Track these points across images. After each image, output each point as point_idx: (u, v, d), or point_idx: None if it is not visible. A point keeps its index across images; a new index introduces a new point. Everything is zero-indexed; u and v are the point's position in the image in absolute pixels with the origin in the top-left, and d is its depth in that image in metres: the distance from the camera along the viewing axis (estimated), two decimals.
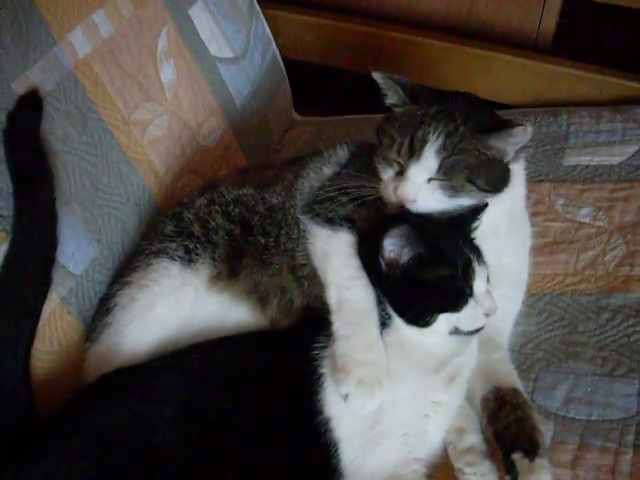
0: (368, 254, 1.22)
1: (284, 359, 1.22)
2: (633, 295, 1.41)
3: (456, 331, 1.17)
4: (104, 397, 1.21)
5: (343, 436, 1.14)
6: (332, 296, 1.21)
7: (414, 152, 1.22)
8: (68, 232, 1.33)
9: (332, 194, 1.31)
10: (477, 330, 1.18)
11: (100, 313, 1.35)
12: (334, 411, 1.14)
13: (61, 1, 1.38)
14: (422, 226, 1.19)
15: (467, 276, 1.16)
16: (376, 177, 1.28)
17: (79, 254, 1.36)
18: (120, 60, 1.48)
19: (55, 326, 1.32)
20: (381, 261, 1.18)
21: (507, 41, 1.89)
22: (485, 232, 1.26)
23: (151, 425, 1.16)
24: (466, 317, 1.16)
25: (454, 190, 1.22)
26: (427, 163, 1.21)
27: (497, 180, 1.26)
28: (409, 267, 1.17)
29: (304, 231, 1.30)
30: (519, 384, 1.25)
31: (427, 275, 1.16)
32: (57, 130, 1.34)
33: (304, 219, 1.31)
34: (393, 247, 1.16)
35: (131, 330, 1.30)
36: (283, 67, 1.97)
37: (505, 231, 1.33)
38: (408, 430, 1.16)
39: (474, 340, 1.23)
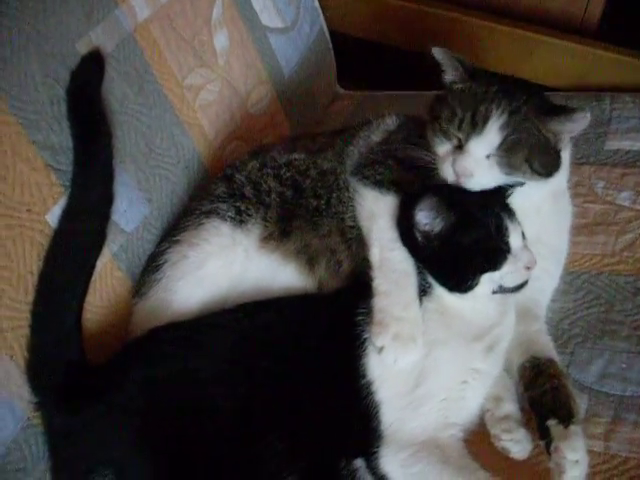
0: (404, 229, 1.25)
1: (330, 323, 1.25)
2: None
3: (500, 289, 1.21)
4: (154, 350, 1.26)
5: (384, 399, 1.17)
6: (375, 254, 1.25)
7: (476, 126, 1.23)
8: (121, 190, 1.36)
9: (380, 158, 1.35)
10: (521, 286, 1.21)
11: (149, 270, 1.40)
12: (377, 374, 1.18)
13: None
14: (451, 194, 1.23)
15: (501, 233, 1.19)
16: (425, 146, 1.30)
17: (131, 212, 1.40)
18: (176, 25, 1.51)
19: (105, 281, 1.36)
20: (417, 234, 1.21)
21: (553, 24, 1.90)
22: (528, 211, 1.29)
23: (198, 380, 1.20)
24: (507, 273, 1.19)
25: (511, 168, 1.23)
26: (489, 138, 1.22)
27: (550, 165, 1.27)
28: (444, 235, 1.20)
29: (353, 192, 1.33)
30: (555, 355, 1.28)
31: (463, 240, 1.20)
32: (115, 90, 1.38)
33: (353, 181, 1.34)
34: (426, 219, 1.19)
35: (181, 287, 1.34)
36: (329, 40, 1.99)
37: (548, 211, 1.36)
38: (447, 395, 1.19)
39: (512, 312, 1.26)
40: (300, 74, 1.87)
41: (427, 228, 1.20)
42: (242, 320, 1.27)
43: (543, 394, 1.20)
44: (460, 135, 1.25)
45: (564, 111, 1.26)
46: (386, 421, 1.17)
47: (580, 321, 1.39)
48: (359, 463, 1.16)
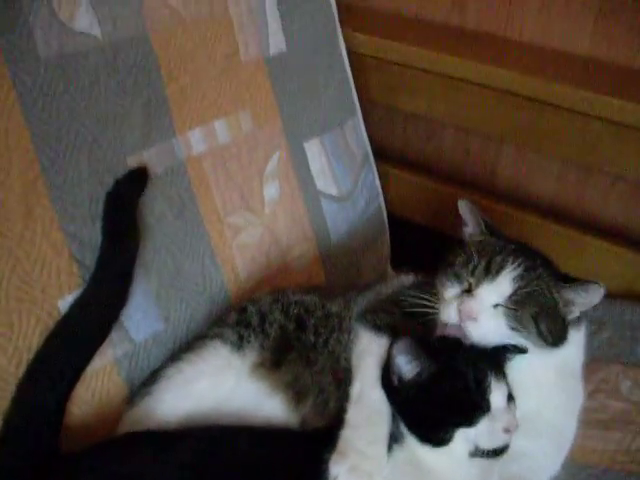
0: (384, 371, 1.23)
1: (299, 459, 1.22)
2: None
3: (476, 451, 1.14)
4: (123, 450, 1.25)
5: None
6: (356, 388, 1.24)
7: (489, 273, 1.24)
8: (139, 300, 1.42)
9: (386, 306, 1.37)
10: (500, 451, 1.14)
11: (146, 383, 1.41)
12: None
13: (190, 102, 1.52)
14: (439, 343, 1.22)
15: (482, 389, 1.14)
16: (433, 298, 1.31)
17: (144, 323, 1.44)
18: (229, 167, 1.60)
19: (102, 381, 1.39)
20: (392, 376, 1.20)
21: (611, 232, 1.90)
22: (527, 383, 1.25)
23: None
24: (483, 432, 1.13)
25: (517, 323, 1.22)
26: (501, 286, 1.23)
27: (557, 333, 1.25)
28: (419, 382, 1.18)
29: (353, 335, 1.34)
30: None
31: (439, 388, 1.16)
32: (155, 208, 1.46)
33: (355, 324, 1.36)
34: (400, 362, 1.19)
35: (169, 398, 1.35)
36: (386, 221, 2.04)
37: (550, 386, 1.30)
38: None
39: None
40: (348, 244, 1.89)
41: (402, 372, 1.19)
42: (216, 441, 1.25)
43: None
44: (471, 280, 1.25)
45: (579, 281, 1.26)
46: None
47: None
48: None
